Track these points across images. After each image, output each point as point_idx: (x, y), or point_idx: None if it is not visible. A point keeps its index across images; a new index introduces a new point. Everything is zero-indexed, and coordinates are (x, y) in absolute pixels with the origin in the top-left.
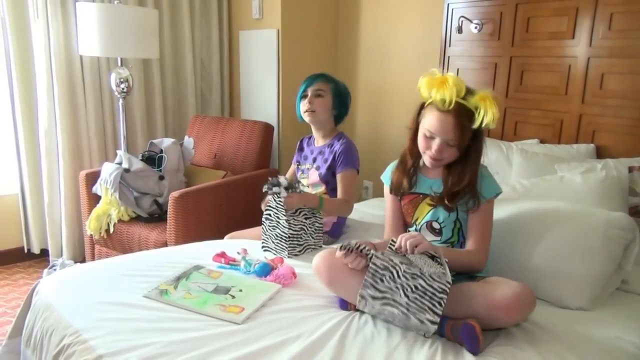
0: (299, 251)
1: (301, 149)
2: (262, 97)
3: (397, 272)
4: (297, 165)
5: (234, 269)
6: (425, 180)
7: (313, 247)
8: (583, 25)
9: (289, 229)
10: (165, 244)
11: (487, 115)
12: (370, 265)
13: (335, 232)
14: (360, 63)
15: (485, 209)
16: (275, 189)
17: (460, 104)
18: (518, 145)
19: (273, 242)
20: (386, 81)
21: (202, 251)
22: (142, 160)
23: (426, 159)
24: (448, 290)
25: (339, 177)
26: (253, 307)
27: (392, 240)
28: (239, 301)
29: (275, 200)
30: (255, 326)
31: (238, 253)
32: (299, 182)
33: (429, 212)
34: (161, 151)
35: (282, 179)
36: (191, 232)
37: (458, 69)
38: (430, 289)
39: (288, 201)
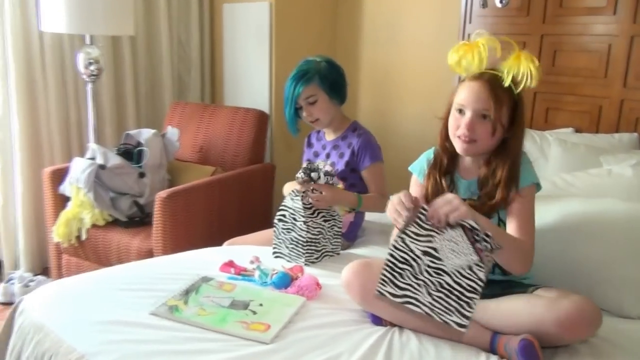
0: (317, 258)
1: (310, 146)
2: (250, 80)
3: (419, 267)
4: (308, 164)
5: (248, 280)
6: (462, 182)
7: (330, 253)
8: (625, 0)
9: (307, 232)
10: (150, 253)
11: (525, 71)
12: (388, 257)
13: (351, 235)
14: (364, 41)
15: (521, 200)
16: (313, 175)
17: (491, 73)
18: (553, 135)
19: (287, 247)
20: (394, 62)
21: (204, 260)
22: (117, 154)
23: (457, 144)
24: (480, 289)
25: (366, 173)
26: (280, 324)
27: (423, 208)
28: (262, 317)
29: (292, 199)
30: (287, 346)
31: (251, 262)
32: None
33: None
34: (139, 144)
35: (321, 164)
36: (181, 238)
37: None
38: (458, 288)
39: (318, 201)
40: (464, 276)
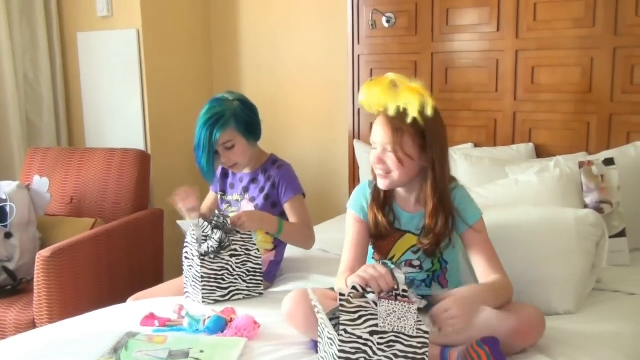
0: (222, 296)
1: (225, 176)
2: (117, 118)
3: (372, 349)
4: (222, 195)
5: (177, 330)
6: (403, 214)
7: (246, 292)
8: (507, 17)
9: (202, 267)
10: (32, 325)
11: (421, 103)
12: (339, 355)
13: (271, 275)
14: (244, 67)
15: (478, 235)
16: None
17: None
18: (457, 152)
19: (191, 284)
20: (281, 88)
21: (118, 317)
22: None
23: (377, 179)
24: (427, 340)
25: (288, 206)
26: None
27: (341, 294)
28: None
29: (190, 234)
30: None
31: (175, 312)
32: (224, 215)
33: (408, 250)
34: None
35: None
36: (68, 303)
37: (372, 70)
38: (411, 350)
39: (242, 222)
40: (412, 337)
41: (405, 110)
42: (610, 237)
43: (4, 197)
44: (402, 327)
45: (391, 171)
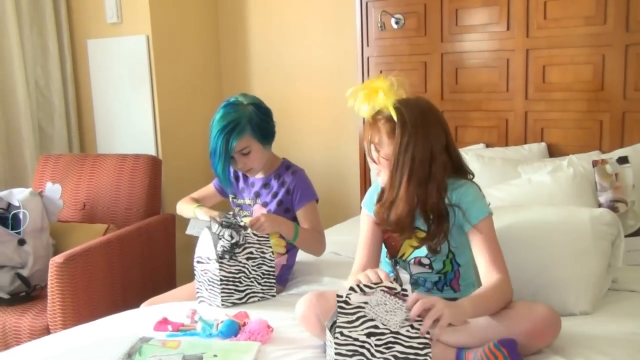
0: (239, 299)
1: (236, 179)
2: (128, 124)
3: (370, 351)
4: (233, 198)
5: (191, 335)
6: None
7: (261, 295)
8: (517, 16)
9: (220, 270)
10: (46, 331)
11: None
12: (336, 359)
13: (283, 278)
14: (253, 72)
15: (481, 236)
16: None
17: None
18: (469, 153)
19: (206, 289)
20: (290, 93)
21: (132, 322)
22: None
23: None
24: (430, 342)
25: (301, 212)
26: None
27: (338, 295)
28: None
29: (205, 238)
30: None
31: (188, 317)
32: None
33: (416, 248)
34: (10, 207)
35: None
36: (82, 309)
37: (381, 71)
38: (412, 351)
39: (261, 224)
40: (412, 337)
41: (380, 111)
42: (626, 236)
43: (17, 204)
44: (387, 320)
45: (381, 170)
